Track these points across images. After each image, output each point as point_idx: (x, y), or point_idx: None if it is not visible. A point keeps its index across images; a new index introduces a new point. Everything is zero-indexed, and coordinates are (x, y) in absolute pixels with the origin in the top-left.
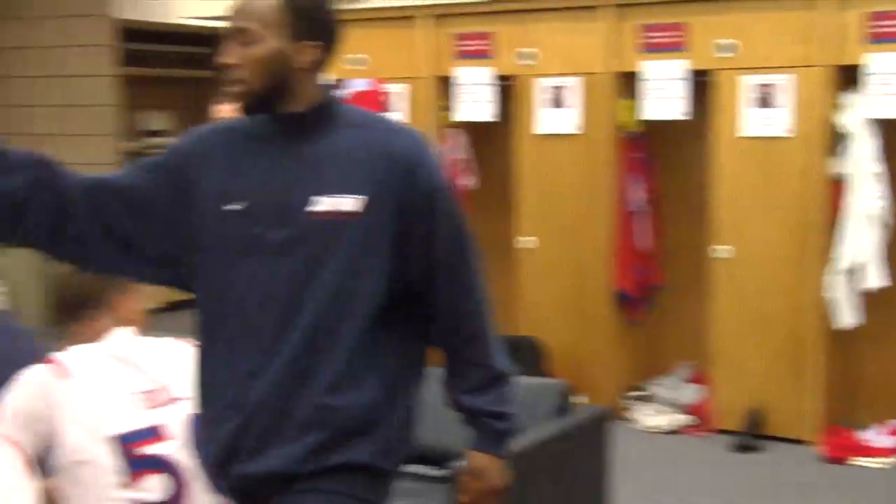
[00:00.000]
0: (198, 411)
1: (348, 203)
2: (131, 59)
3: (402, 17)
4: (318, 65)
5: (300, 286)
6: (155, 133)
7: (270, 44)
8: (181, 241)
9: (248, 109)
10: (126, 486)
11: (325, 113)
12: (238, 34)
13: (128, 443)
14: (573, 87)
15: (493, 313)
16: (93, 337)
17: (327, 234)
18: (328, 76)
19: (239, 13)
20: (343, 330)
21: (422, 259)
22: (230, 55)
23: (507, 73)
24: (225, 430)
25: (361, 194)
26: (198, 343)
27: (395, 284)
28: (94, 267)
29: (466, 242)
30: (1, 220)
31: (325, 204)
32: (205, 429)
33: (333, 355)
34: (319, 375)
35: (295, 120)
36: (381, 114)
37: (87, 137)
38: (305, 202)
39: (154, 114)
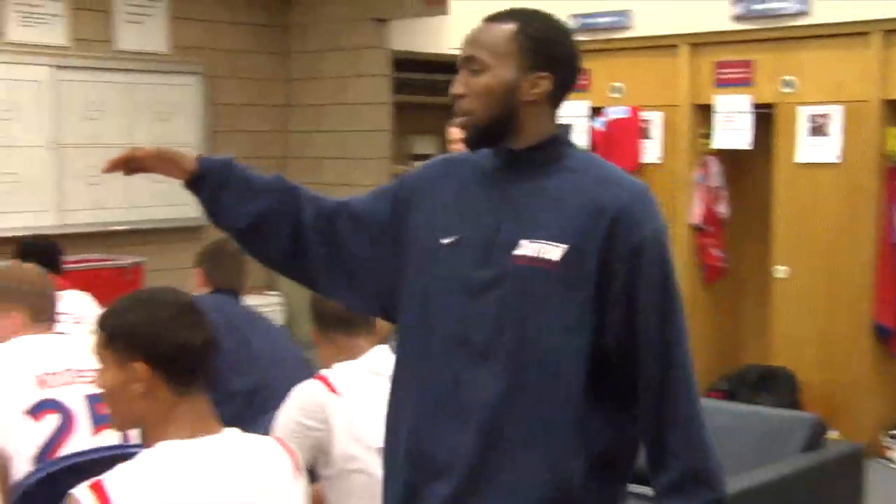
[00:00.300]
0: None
1: (549, 251)
2: (401, 86)
3: (662, 45)
4: (550, 98)
5: (496, 332)
6: (419, 157)
7: (498, 74)
8: (395, 274)
9: (472, 142)
10: None
11: (549, 153)
12: (468, 63)
13: None
14: (835, 114)
15: (699, 403)
16: (355, 353)
17: (527, 280)
18: (560, 113)
19: (471, 41)
20: (537, 389)
21: (622, 323)
22: (459, 84)
23: (766, 100)
24: (411, 477)
25: (563, 243)
26: (396, 374)
27: (596, 347)
28: (319, 291)
29: (672, 311)
30: (244, 241)
31: (528, 249)
32: (387, 470)
33: (527, 421)
34: (515, 440)
35: (516, 156)
36: (608, 163)
37: (365, 161)
38: (512, 244)
39: (419, 138)
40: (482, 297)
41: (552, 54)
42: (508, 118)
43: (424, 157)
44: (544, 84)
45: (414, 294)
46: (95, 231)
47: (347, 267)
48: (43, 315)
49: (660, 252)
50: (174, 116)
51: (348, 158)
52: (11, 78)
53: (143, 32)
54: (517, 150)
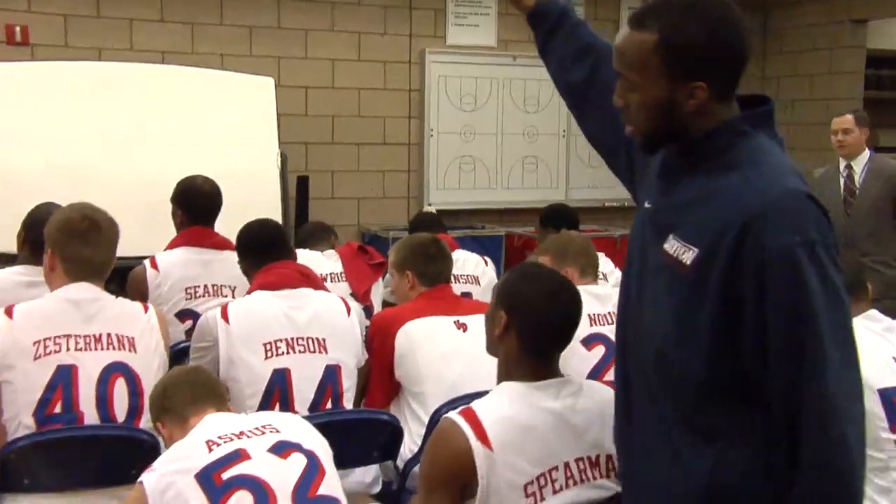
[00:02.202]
0: None
1: (684, 253)
2: (873, 83)
3: None
4: (714, 99)
5: (640, 332)
6: (885, 149)
7: (648, 91)
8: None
9: (644, 150)
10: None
11: (711, 146)
12: (620, 77)
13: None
14: None
15: (843, 450)
16: None
17: (666, 281)
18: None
19: (617, 53)
20: (666, 397)
21: (754, 338)
22: (618, 97)
23: None
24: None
25: (696, 247)
26: None
27: (726, 362)
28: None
29: (809, 341)
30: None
31: (672, 247)
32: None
33: (659, 428)
34: (654, 448)
35: (680, 148)
36: (777, 158)
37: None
38: (664, 237)
39: (887, 131)
40: (640, 290)
41: (703, 60)
42: (672, 127)
43: (891, 149)
44: (700, 94)
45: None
46: (593, 206)
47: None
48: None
49: (792, 271)
50: None
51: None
52: (538, 78)
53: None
54: (682, 146)
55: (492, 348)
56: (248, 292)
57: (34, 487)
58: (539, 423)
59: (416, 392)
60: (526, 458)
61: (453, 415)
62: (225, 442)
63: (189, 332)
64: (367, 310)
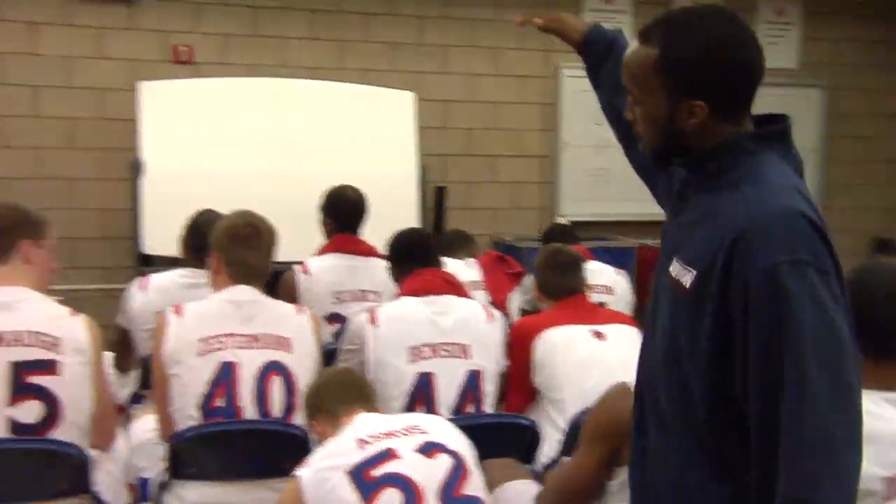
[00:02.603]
0: None
1: (684, 275)
2: None
3: None
4: (716, 116)
5: (651, 353)
6: None
7: (650, 107)
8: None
9: (655, 164)
10: None
11: (714, 164)
12: (629, 90)
13: None
14: None
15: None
16: None
17: (670, 303)
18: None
19: (624, 70)
20: (671, 421)
21: (741, 363)
22: (629, 111)
23: None
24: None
25: (694, 268)
26: None
27: (726, 389)
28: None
29: (793, 351)
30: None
31: (675, 269)
32: None
33: (662, 450)
34: (659, 470)
35: (690, 168)
36: (774, 177)
37: None
38: (670, 259)
39: None
40: (652, 311)
41: (702, 78)
42: (675, 143)
43: None
44: (700, 113)
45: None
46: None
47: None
48: None
49: (774, 291)
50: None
51: None
52: None
53: (777, 51)
54: (687, 161)
55: None
56: (396, 297)
57: (200, 475)
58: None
59: (555, 399)
60: None
61: None
62: (375, 441)
63: (337, 335)
64: (505, 318)
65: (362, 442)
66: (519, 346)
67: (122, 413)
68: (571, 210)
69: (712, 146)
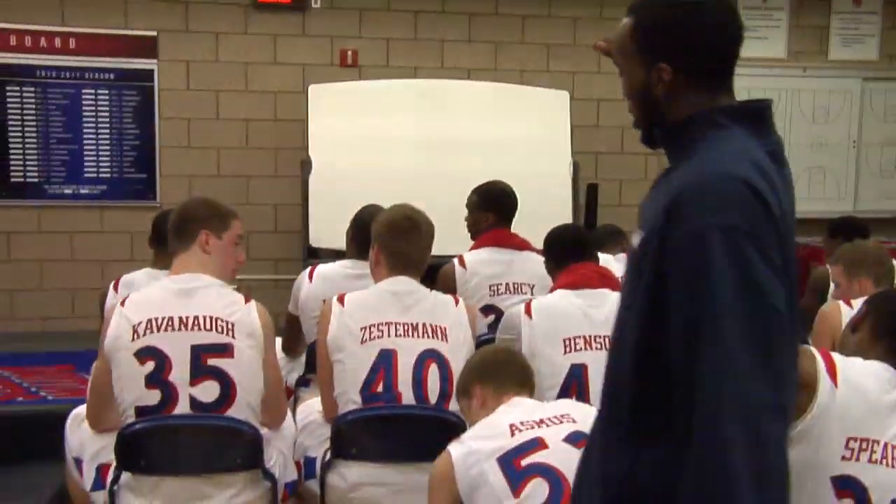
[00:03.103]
0: None
1: (634, 240)
2: None
3: None
4: (686, 83)
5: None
6: None
7: (631, 75)
8: None
9: (644, 142)
10: None
11: (682, 137)
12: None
13: None
14: None
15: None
16: None
17: (627, 273)
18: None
19: (614, 42)
20: (616, 386)
21: (668, 320)
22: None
23: None
24: None
25: (641, 232)
26: None
27: (653, 349)
28: None
29: (711, 319)
30: None
31: (635, 239)
32: None
33: (607, 417)
34: (598, 437)
35: (664, 141)
36: (728, 148)
37: None
38: (638, 232)
39: None
40: None
41: (665, 41)
42: (655, 114)
43: None
44: (665, 76)
45: None
46: (884, 218)
47: None
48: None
49: (698, 255)
50: None
51: None
52: (828, 89)
53: None
54: (662, 135)
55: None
56: (551, 290)
57: (360, 456)
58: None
59: None
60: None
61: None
62: (526, 429)
63: (492, 326)
64: None
65: (514, 428)
66: None
67: (291, 395)
68: None
69: (685, 118)
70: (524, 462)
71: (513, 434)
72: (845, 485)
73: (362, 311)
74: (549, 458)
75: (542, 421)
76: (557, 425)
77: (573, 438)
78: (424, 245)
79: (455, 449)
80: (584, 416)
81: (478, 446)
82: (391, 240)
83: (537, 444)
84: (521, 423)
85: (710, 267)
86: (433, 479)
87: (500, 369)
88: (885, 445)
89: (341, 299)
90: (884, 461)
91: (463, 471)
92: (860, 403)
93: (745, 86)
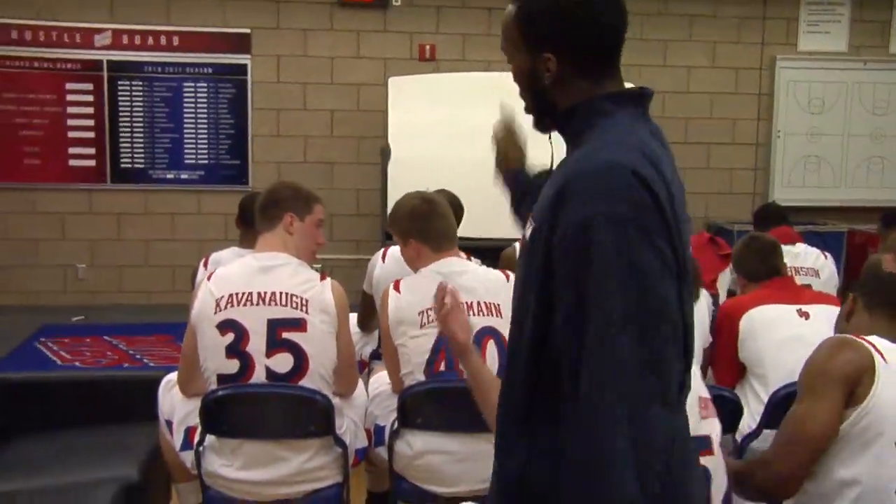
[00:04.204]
0: None
1: (527, 232)
2: None
3: None
4: (574, 72)
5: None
6: None
7: (517, 64)
8: None
9: (536, 128)
10: None
11: (575, 125)
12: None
13: None
14: None
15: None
16: None
17: (520, 260)
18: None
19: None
20: (511, 373)
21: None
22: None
23: None
24: None
25: (533, 223)
26: None
27: (545, 336)
28: None
29: (592, 307)
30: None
31: (528, 229)
32: None
33: (502, 409)
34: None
35: (558, 129)
36: (614, 136)
37: None
38: (531, 221)
39: None
40: None
41: (549, 31)
42: (544, 102)
43: None
44: (551, 66)
45: None
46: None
47: None
48: None
49: (582, 244)
50: None
51: None
52: (888, 81)
53: None
54: (555, 124)
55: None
56: None
57: (425, 426)
58: None
59: (759, 374)
60: None
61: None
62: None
63: None
64: (714, 298)
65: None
66: (726, 324)
67: (365, 367)
68: (783, 195)
69: (572, 106)
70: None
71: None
72: None
73: (417, 296)
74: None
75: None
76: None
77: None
78: (450, 217)
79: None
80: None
81: None
82: (420, 225)
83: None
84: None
85: (596, 255)
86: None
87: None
88: None
89: (397, 286)
90: None
91: None
92: None
93: (807, 79)
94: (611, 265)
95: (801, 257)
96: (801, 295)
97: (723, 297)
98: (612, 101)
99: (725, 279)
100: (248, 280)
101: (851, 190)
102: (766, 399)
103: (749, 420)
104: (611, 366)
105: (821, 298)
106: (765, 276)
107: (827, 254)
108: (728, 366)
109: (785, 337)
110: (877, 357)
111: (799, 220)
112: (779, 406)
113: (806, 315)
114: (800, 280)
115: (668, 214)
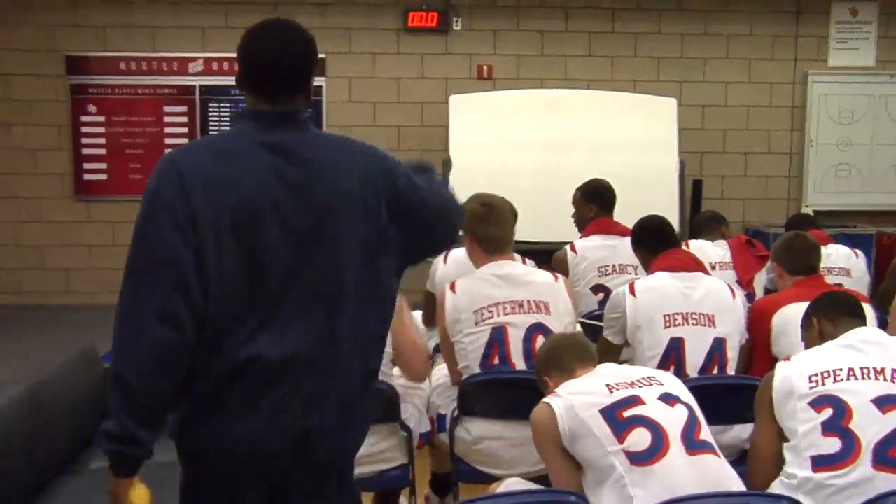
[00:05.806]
0: None
1: None
2: None
3: None
4: (243, 85)
5: None
6: None
7: None
8: None
9: None
10: None
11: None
12: None
13: None
14: None
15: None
16: None
17: None
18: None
19: None
20: None
21: None
22: None
23: None
24: None
25: None
26: None
27: None
28: None
29: (129, 252)
30: None
31: None
32: None
33: None
34: None
35: None
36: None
37: None
38: None
39: None
40: None
41: (238, 53)
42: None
43: None
44: (237, 81)
45: None
46: None
47: None
48: None
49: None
50: None
51: None
52: None
53: None
54: None
55: None
56: (650, 273)
57: (482, 414)
58: None
59: None
60: None
61: None
62: (622, 388)
63: (601, 303)
64: (750, 296)
65: (611, 387)
66: (761, 320)
67: (428, 360)
68: (816, 200)
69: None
70: (626, 414)
71: (610, 392)
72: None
73: (472, 295)
74: (647, 412)
75: (633, 382)
76: (649, 386)
77: (665, 398)
78: (506, 223)
79: (555, 402)
80: (667, 380)
81: (577, 400)
82: (477, 227)
83: (635, 400)
84: (616, 384)
85: (137, 220)
86: (537, 429)
87: (561, 355)
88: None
89: (453, 287)
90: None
91: (565, 421)
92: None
93: (837, 92)
94: (137, 229)
95: (833, 258)
96: None
97: (759, 296)
98: (241, 115)
99: (762, 279)
100: None
101: (879, 195)
102: None
103: None
104: (122, 300)
105: None
106: (803, 270)
107: (859, 252)
108: (763, 359)
109: None
110: None
111: (830, 223)
112: None
113: None
114: (831, 280)
115: (194, 198)
